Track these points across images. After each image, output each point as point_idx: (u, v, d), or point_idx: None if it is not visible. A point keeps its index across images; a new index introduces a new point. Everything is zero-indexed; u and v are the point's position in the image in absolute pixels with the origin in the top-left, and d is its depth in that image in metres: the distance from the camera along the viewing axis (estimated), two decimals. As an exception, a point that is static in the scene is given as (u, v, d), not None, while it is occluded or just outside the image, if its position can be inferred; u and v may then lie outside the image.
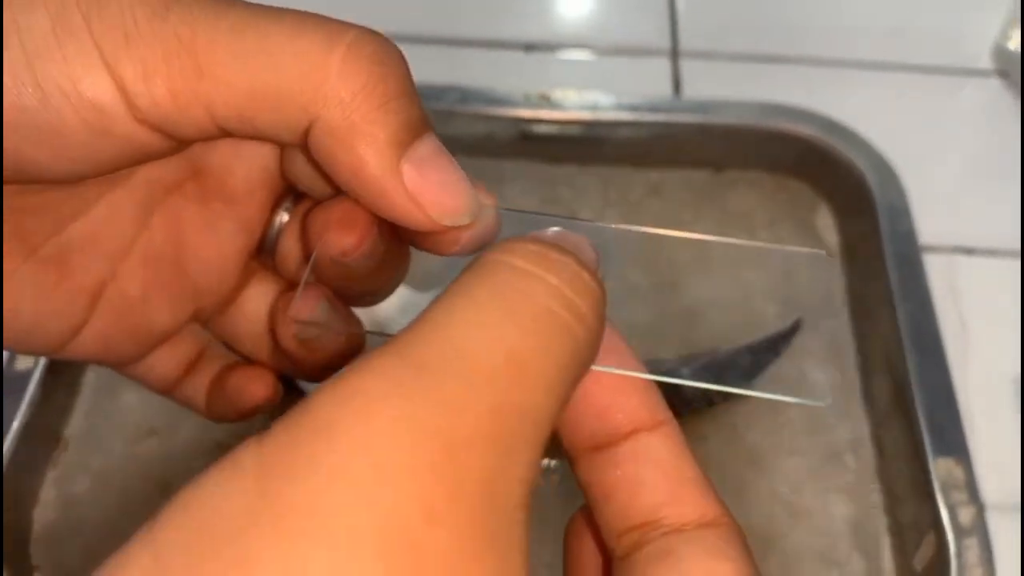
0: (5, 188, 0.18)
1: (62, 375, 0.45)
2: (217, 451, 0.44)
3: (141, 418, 0.46)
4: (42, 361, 0.44)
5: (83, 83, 0.16)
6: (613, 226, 0.19)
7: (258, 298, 0.23)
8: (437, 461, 0.13)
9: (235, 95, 0.17)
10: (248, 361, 0.24)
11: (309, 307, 0.20)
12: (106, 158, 0.17)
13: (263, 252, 0.22)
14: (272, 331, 0.22)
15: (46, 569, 0.41)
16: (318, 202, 0.20)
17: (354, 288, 0.20)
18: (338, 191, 0.19)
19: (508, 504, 0.14)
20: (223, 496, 0.12)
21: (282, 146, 0.20)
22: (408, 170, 0.17)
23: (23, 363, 0.44)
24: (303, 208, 0.21)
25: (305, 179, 0.20)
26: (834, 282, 0.50)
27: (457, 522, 0.13)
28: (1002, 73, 0.62)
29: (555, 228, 0.18)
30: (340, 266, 0.19)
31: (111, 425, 0.46)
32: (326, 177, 0.19)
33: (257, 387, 0.23)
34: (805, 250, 0.21)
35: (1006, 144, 0.58)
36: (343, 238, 0.19)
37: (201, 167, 0.21)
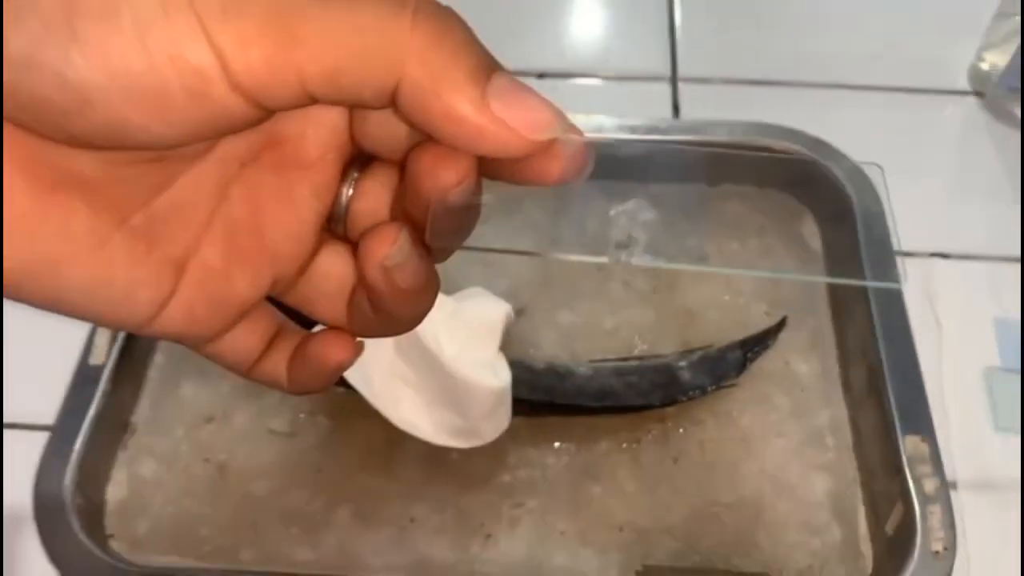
0: (102, 158, 0.19)
1: (129, 368, 0.50)
2: (267, 436, 0.49)
3: (199, 406, 0.50)
4: (113, 355, 0.49)
5: (187, 50, 0.17)
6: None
7: (331, 262, 0.23)
8: None
9: (325, 59, 0.18)
10: (324, 329, 0.24)
11: (397, 237, 0.21)
12: (199, 123, 0.18)
13: (332, 221, 0.23)
14: (360, 264, 0.22)
15: (119, 538, 0.46)
16: (393, 162, 0.22)
17: (448, 225, 0.21)
18: (416, 145, 0.20)
19: None
20: None
21: (363, 108, 0.21)
22: (494, 102, 0.18)
23: (96, 358, 0.49)
24: (377, 172, 0.22)
25: (376, 136, 0.21)
26: (816, 283, 0.55)
27: None
28: (978, 93, 0.66)
29: None
30: (447, 199, 0.20)
31: (173, 413, 0.50)
32: (420, 130, 0.19)
33: (337, 349, 0.24)
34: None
35: (981, 158, 0.62)
36: (456, 168, 0.20)
37: (275, 138, 0.22)
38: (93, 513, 0.46)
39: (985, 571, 0.45)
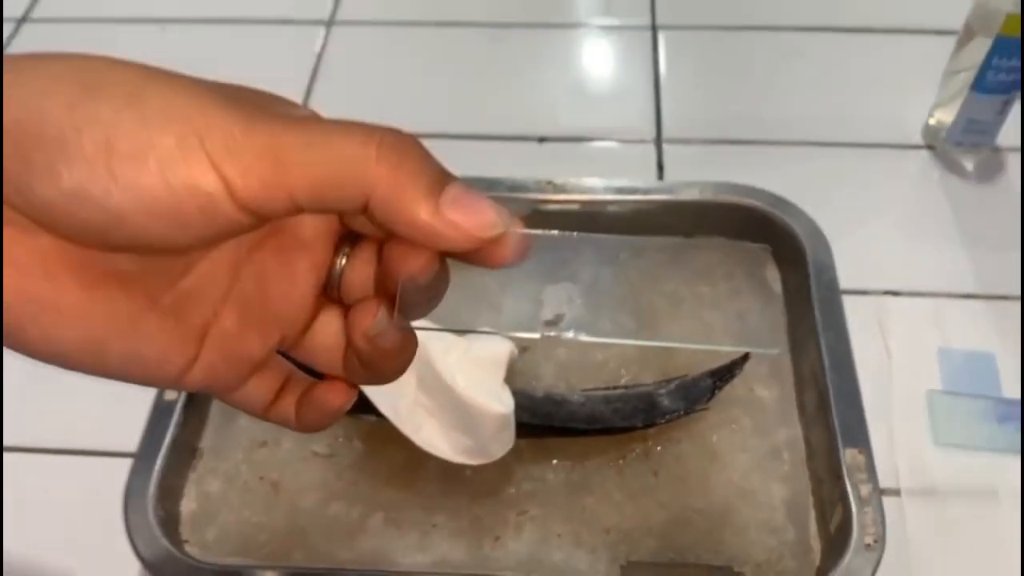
0: (134, 256, 0.22)
1: (196, 403, 0.58)
2: (311, 458, 0.58)
3: (254, 434, 0.58)
4: (183, 392, 0.58)
5: (200, 181, 0.20)
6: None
7: (329, 322, 0.27)
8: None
9: (309, 184, 0.21)
10: (325, 378, 0.28)
11: (376, 311, 0.24)
12: (211, 233, 0.21)
13: (328, 288, 0.26)
14: (348, 332, 0.25)
15: (192, 543, 0.54)
16: (377, 240, 0.25)
17: (419, 298, 0.24)
18: (388, 237, 0.24)
19: None
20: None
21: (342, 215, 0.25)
22: (447, 210, 0.22)
23: (169, 395, 0.57)
24: (365, 247, 0.26)
25: (360, 223, 0.25)
26: (776, 320, 0.63)
27: None
28: (930, 147, 0.73)
29: None
30: (415, 281, 0.23)
31: (233, 440, 0.58)
32: (389, 232, 0.23)
33: (336, 395, 0.27)
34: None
35: (931, 206, 0.69)
36: (419, 259, 0.23)
37: (278, 226, 0.25)
38: (170, 523, 0.54)
39: (923, 564, 0.52)
